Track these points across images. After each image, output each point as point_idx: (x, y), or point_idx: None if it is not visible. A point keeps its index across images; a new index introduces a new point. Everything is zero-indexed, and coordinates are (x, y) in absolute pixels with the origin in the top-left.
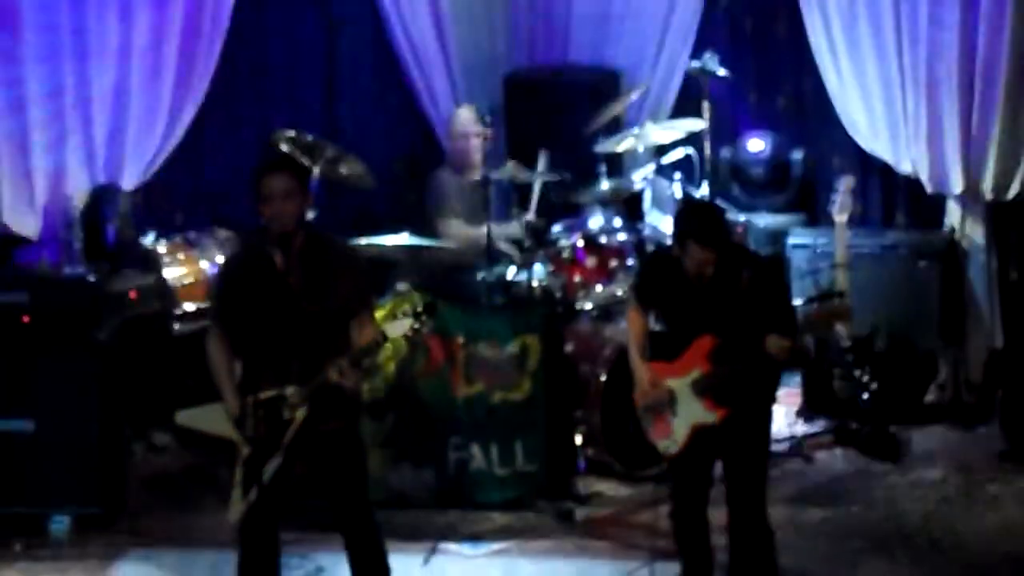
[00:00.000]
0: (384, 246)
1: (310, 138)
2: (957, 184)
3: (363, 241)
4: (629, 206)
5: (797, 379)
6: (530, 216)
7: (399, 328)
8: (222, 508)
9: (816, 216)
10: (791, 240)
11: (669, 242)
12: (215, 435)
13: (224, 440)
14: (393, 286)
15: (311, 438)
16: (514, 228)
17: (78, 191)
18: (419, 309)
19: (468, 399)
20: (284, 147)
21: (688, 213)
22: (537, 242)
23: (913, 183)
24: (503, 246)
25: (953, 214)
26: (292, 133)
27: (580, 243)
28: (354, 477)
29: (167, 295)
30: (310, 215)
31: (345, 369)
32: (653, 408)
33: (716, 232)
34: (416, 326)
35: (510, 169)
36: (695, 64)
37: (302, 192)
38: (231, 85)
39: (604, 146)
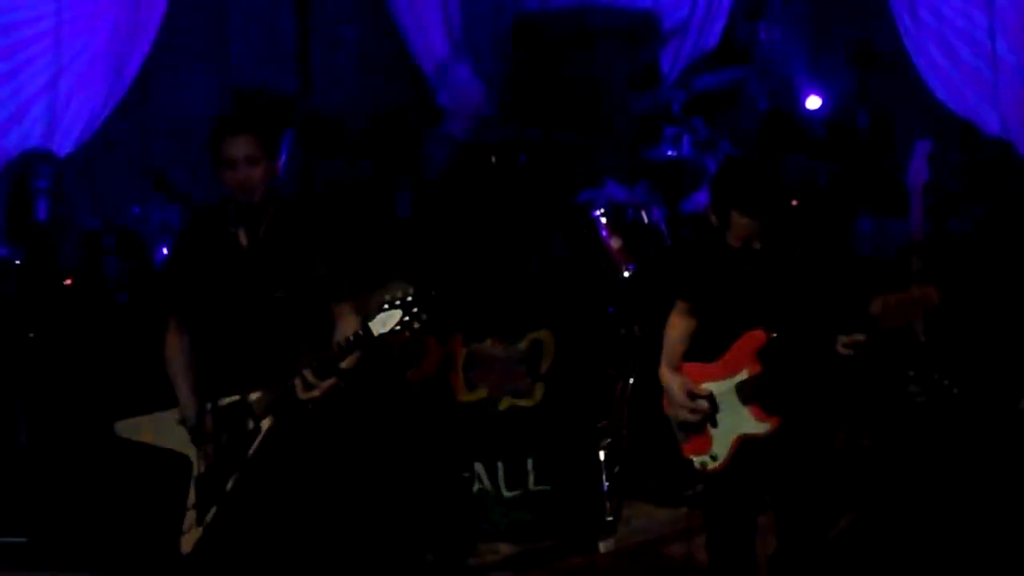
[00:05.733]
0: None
1: (279, 96)
2: None
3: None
4: (662, 175)
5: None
6: None
7: (386, 322)
8: (172, 537)
9: (886, 187)
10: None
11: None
12: (164, 449)
13: (176, 455)
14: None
15: (281, 456)
16: None
17: (2, 158)
18: (409, 299)
19: (470, 407)
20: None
21: (729, 175)
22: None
23: (1004, 147)
24: None
25: None
26: (257, 90)
27: (604, 220)
28: (327, 505)
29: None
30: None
31: (313, 381)
32: (690, 421)
33: (764, 197)
34: (406, 319)
35: None
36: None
37: (270, 157)
38: (184, 30)
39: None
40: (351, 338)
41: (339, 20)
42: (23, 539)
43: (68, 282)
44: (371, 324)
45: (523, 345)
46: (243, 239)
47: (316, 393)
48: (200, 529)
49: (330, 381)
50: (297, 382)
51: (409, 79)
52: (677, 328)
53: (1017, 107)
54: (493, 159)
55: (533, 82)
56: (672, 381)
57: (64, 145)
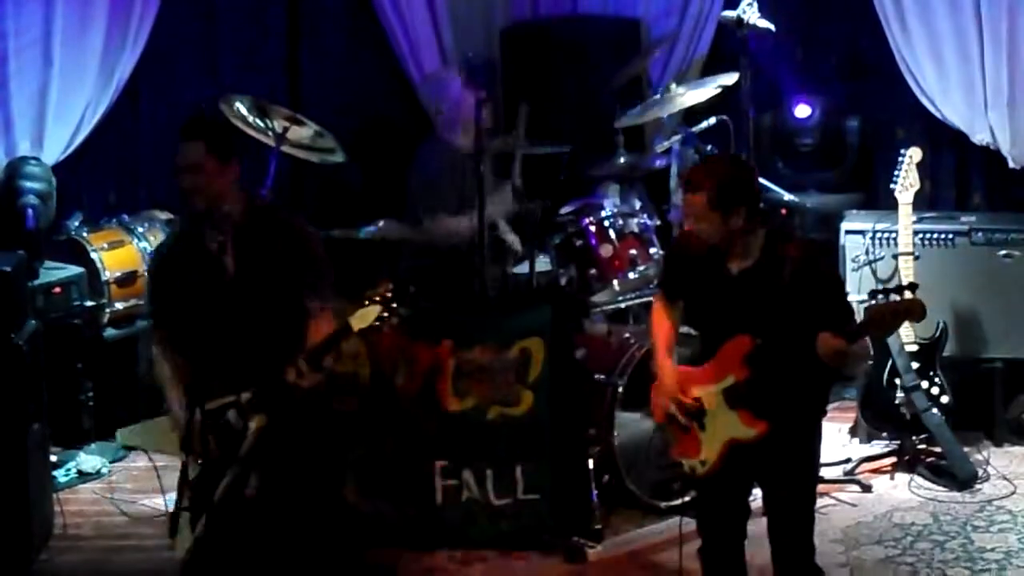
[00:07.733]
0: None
1: (266, 104)
2: None
3: (335, 232)
4: (651, 184)
5: (851, 391)
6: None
7: (365, 317)
8: (163, 546)
9: (875, 196)
10: (845, 224)
11: None
12: (162, 452)
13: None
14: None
15: (274, 455)
16: (507, 198)
17: None
18: (388, 295)
19: (458, 416)
20: (241, 109)
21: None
22: (539, 227)
23: (992, 156)
24: (506, 235)
25: None
26: (243, 98)
27: (592, 228)
28: (317, 504)
29: (97, 290)
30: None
31: (304, 369)
32: (679, 420)
33: (702, 174)
34: (384, 315)
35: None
36: (730, 13)
37: (220, 163)
38: (173, 39)
39: (623, 120)
40: (335, 334)
41: (328, 28)
42: None
43: (57, 290)
44: (351, 319)
45: (512, 353)
46: (212, 242)
47: (304, 382)
48: (192, 534)
49: (318, 376)
50: (289, 368)
51: (398, 87)
52: (662, 319)
53: (1006, 116)
54: (482, 168)
55: (522, 91)
56: (667, 371)
57: (53, 153)
